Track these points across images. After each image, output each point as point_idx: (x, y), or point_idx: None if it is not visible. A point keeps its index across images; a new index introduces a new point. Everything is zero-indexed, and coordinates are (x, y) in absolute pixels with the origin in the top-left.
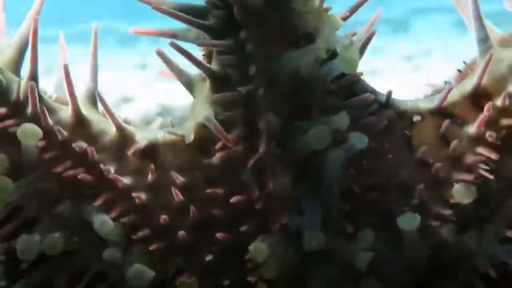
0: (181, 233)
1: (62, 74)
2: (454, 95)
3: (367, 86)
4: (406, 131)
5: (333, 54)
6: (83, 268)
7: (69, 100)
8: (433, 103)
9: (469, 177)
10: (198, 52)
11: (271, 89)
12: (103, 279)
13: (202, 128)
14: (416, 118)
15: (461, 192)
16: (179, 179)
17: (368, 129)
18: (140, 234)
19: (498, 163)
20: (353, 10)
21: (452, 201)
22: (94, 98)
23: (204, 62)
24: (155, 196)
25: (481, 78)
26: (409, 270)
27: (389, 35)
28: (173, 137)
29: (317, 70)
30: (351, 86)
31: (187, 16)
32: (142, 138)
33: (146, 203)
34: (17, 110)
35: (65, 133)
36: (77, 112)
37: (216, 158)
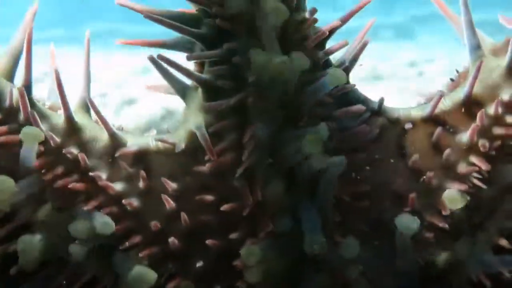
0: (172, 239)
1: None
2: (447, 103)
3: (360, 95)
4: (398, 139)
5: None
6: (76, 274)
7: (61, 106)
8: (425, 111)
9: (462, 186)
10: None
11: (260, 99)
12: (96, 284)
13: (194, 136)
14: (408, 126)
15: (450, 199)
16: (171, 186)
17: (360, 137)
18: (132, 240)
19: (490, 171)
20: (345, 20)
21: (444, 212)
22: (87, 104)
23: (195, 72)
24: (147, 202)
25: (472, 85)
26: (401, 278)
27: (393, 41)
28: (165, 144)
29: (304, 82)
30: (345, 96)
31: (178, 24)
32: (133, 144)
33: (137, 210)
34: (10, 116)
35: (58, 139)
36: (69, 119)
37: (207, 166)
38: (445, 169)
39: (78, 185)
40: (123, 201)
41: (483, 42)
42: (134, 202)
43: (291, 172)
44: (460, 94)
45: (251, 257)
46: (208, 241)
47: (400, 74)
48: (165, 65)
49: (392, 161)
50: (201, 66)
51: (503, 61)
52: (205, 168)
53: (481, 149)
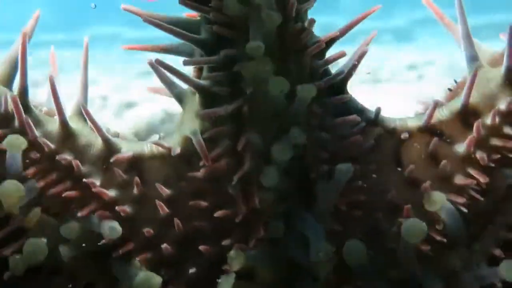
0: (165, 246)
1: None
2: (443, 113)
3: (357, 104)
4: (394, 149)
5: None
6: (71, 279)
7: (56, 112)
8: (421, 121)
9: (460, 199)
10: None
11: (256, 107)
12: None
13: (189, 141)
14: (405, 135)
15: (431, 201)
16: (165, 191)
17: (354, 147)
18: (126, 247)
19: (488, 182)
20: (344, 31)
21: (437, 226)
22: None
23: (192, 78)
24: (141, 209)
25: (468, 94)
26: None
27: (393, 44)
28: (160, 149)
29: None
30: (342, 105)
31: (177, 30)
32: (128, 150)
33: (131, 216)
34: (5, 122)
35: (52, 145)
36: (64, 125)
37: (201, 172)
38: (442, 180)
39: (72, 193)
40: (116, 207)
41: (481, 52)
42: (127, 208)
43: (285, 179)
44: (457, 103)
45: (235, 261)
46: (201, 247)
47: (400, 77)
48: (163, 70)
49: (388, 171)
50: (199, 71)
51: (500, 71)
52: (200, 173)
53: (480, 162)
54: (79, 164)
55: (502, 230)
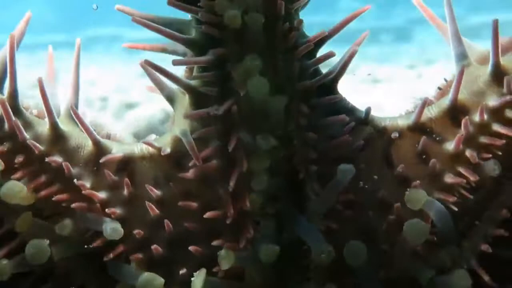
0: (155, 247)
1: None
2: (433, 111)
3: (347, 104)
4: (385, 148)
5: None
6: (62, 282)
7: (46, 114)
8: (410, 119)
9: (450, 198)
10: None
11: (245, 107)
12: None
13: (179, 141)
14: (395, 134)
15: (412, 199)
16: (155, 192)
17: (343, 147)
18: (117, 249)
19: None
20: (334, 31)
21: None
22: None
23: (182, 78)
24: (131, 210)
25: (456, 91)
26: (389, 285)
27: (392, 43)
28: (150, 149)
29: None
30: (333, 105)
31: (166, 30)
32: (118, 151)
33: (122, 218)
34: None
35: (42, 147)
36: (54, 127)
37: (191, 172)
38: (432, 178)
39: (63, 196)
40: (106, 210)
41: (471, 51)
42: (118, 210)
43: (275, 180)
44: (446, 101)
45: (225, 260)
46: (191, 248)
47: (400, 76)
48: (153, 71)
49: (378, 170)
50: (191, 72)
51: (488, 68)
52: (189, 174)
53: (471, 160)
54: (69, 166)
55: (490, 227)
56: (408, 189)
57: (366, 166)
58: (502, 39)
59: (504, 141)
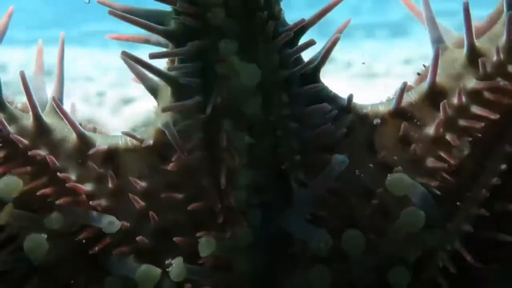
0: (140, 238)
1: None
2: (412, 96)
3: (329, 92)
4: (367, 135)
5: None
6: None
7: (29, 108)
8: (391, 105)
9: (432, 182)
10: None
11: (228, 98)
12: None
13: (162, 134)
14: (376, 121)
15: (394, 184)
16: (139, 184)
17: (325, 135)
18: (103, 241)
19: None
20: (313, 20)
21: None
22: (60, 105)
23: (162, 70)
24: (117, 202)
25: (434, 75)
26: (376, 272)
27: (388, 39)
28: (134, 142)
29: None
30: (315, 93)
31: (146, 22)
32: (102, 144)
33: (107, 210)
34: None
35: (26, 141)
36: (38, 119)
37: (174, 164)
38: (414, 163)
39: (47, 190)
40: (90, 202)
41: (447, 36)
42: (103, 202)
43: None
44: (425, 85)
45: (204, 248)
46: (175, 239)
47: (396, 71)
48: (134, 64)
49: (361, 157)
50: (173, 63)
51: (464, 51)
52: (173, 166)
53: (452, 143)
54: (53, 159)
55: (472, 208)
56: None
57: (350, 153)
58: (477, 23)
59: (483, 124)
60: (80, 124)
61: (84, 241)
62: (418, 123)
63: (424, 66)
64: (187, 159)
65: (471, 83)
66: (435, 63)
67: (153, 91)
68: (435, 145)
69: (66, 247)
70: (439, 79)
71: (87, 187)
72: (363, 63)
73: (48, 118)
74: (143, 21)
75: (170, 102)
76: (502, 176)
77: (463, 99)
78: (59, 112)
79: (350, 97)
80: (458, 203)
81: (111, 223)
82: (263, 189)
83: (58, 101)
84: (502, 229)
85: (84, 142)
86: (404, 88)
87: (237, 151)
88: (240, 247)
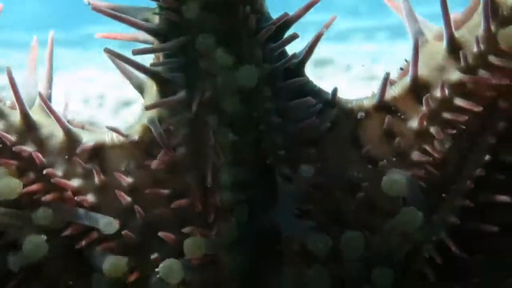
0: (125, 232)
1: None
2: (396, 89)
3: (313, 86)
4: (352, 129)
5: None
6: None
7: (16, 104)
8: (375, 99)
9: (418, 172)
10: None
11: (215, 94)
12: None
13: (148, 130)
14: (361, 114)
15: (389, 185)
16: (125, 180)
17: (309, 130)
18: (90, 236)
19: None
20: (297, 15)
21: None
22: (47, 102)
23: (146, 66)
24: (103, 198)
25: (415, 67)
26: (364, 266)
27: (389, 41)
28: (120, 138)
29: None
30: (299, 88)
31: (130, 18)
32: (89, 140)
33: (94, 206)
34: None
35: (13, 138)
36: (25, 116)
37: (160, 160)
38: (399, 157)
39: (34, 187)
40: (75, 198)
41: (427, 29)
42: (90, 198)
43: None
44: (407, 79)
45: (191, 249)
46: (160, 233)
47: (396, 74)
48: (119, 60)
49: (346, 151)
50: (158, 60)
51: (443, 43)
52: (157, 162)
53: (436, 136)
54: (40, 155)
55: (457, 199)
56: (376, 169)
57: (334, 148)
58: (455, 15)
59: (466, 117)
60: (68, 121)
61: (71, 237)
62: (402, 116)
63: (406, 60)
64: (172, 155)
65: (454, 75)
66: (415, 56)
67: (139, 88)
68: (419, 138)
69: (54, 243)
70: (421, 72)
71: (74, 183)
72: (363, 66)
73: (35, 115)
74: (128, 18)
75: (156, 98)
76: (486, 167)
77: (446, 91)
78: (46, 108)
79: (334, 91)
80: (443, 195)
81: (109, 224)
82: (249, 185)
83: (45, 97)
84: (486, 219)
85: (71, 139)
86: (387, 80)
87: (222, 147)
88: (226, 243)
